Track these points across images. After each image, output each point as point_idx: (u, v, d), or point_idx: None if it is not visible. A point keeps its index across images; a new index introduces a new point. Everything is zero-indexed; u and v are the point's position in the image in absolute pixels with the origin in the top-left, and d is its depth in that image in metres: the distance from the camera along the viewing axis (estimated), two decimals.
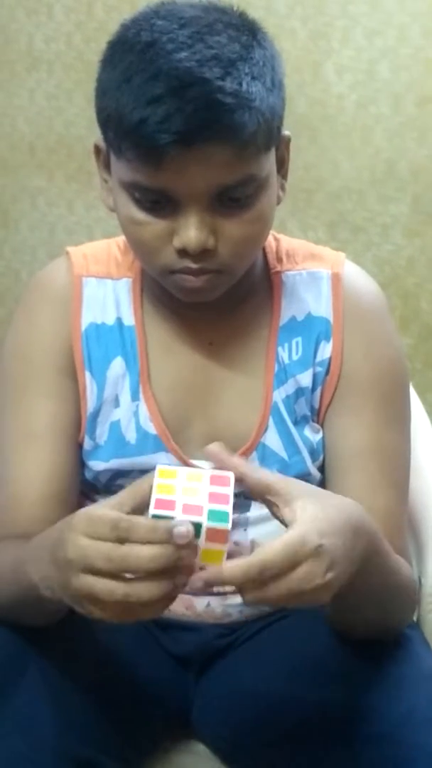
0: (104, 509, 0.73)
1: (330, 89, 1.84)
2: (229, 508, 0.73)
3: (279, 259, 1.04)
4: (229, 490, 0.75)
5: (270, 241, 1.04)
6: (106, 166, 0.92)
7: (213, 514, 0.72)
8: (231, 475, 0.76)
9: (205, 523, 0.71)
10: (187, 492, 0.73)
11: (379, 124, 1.83)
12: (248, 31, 0.86)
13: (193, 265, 0.88)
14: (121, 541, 0.70)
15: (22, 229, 2.16)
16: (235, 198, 0.87)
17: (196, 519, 0.71)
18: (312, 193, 1.91)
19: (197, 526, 0.71)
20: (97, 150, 0.94)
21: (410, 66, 1.78)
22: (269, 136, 0.87)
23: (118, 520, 0.70)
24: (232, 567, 0.71)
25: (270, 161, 0.90)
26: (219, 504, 0.73)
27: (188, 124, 0.81)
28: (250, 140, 0.84)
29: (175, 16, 0.85)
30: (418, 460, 1.17)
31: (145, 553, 0.69)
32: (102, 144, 0.92)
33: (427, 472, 1.20)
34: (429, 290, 1.91)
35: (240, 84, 0.82)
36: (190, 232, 0.86)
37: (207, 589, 0.72)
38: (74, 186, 2.07)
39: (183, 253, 0.87)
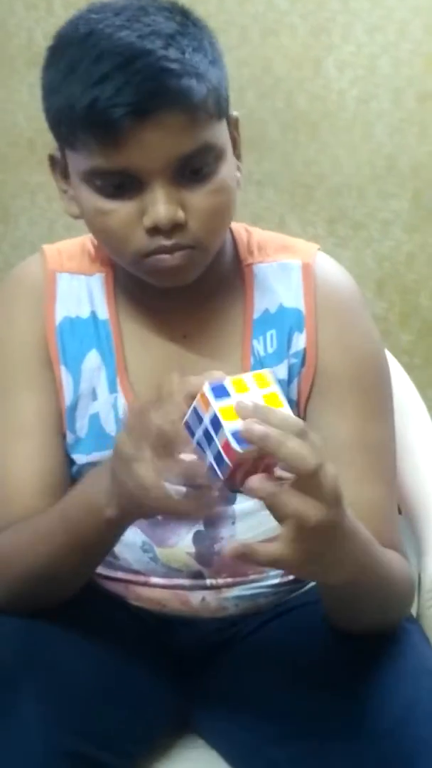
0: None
1: (330, 85, 1.84)
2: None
3: (250, 252, 1.03)
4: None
5: (241, 234, 1.05)
6: (64, 175, 0.93)
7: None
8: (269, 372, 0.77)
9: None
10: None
11: (380, 120, 1.83)
12: (180, 13, 0.89)
13: (167, 242, 0.88)
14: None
15: (21, 225, 2.16)
16: (196, 169, 0.87)
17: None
18: (312, 189, 1.91)
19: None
20: (53, 161, 0.95)
21: (411, 61, 1.78)
22: (219, 105, 0.89)
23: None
24: (283, 412, 0.72)
25: (223, 132, 0.91)
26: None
27: (139, 94, 0.82)
28: (201, 105, 0.85)
29: (108, 8, 0.88)
30: (417, 457, 1.17)
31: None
32: (56, 153, 0.93)
33: (425, 469, 1.20)
34: (429, 286, 1.91)
35: (183, 53, 0.84)
36: (159, 207, 0.86)
37: (252, 412, 0.71)
38: None
39: (154, 231, 0.87)
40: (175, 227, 0.87)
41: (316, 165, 1.88)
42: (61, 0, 2.00)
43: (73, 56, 0.85)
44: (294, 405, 1.01)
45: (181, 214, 0.87)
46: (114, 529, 0.86)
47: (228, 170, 0.91)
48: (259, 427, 0.70)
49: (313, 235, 1.81)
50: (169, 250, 0.89)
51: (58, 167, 0.94)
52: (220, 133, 0.89)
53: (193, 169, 0.87)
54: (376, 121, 1.83)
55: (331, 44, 1.82)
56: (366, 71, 1.82)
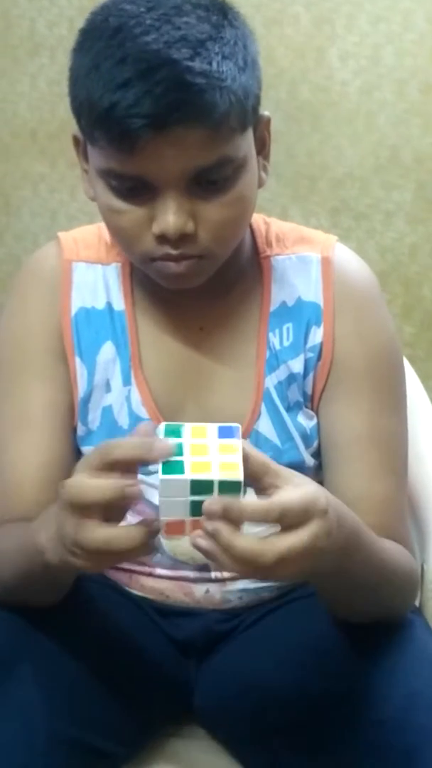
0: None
1: (334, 75, 1.84)
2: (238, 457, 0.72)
3: (269, 244, 1.03)
4: (237, 442, 0.74)
5: (259, 226, 1.04)
6: (85, 156, 0.92)
7: (224, 467, 0.71)
8: (238, 426, 0.75)
9: (217, 479, 0.71)
10: (195, 451, 0.72)
11: (383, 111, 1.82)
12: (218, 10, 0.86)
13: (173, 252, 0.87)
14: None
15: (23, 216, 2.16)
16: (213, 180, 0.86)
17: (206, 477, 0.71)
18: (315, 180, 1.90)
19: (208, 483, 0.71)
20: (76, 141, 0.94)
21: (415, 52, 1.77)
22: (243, 117, 0.86)
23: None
24: (254, 503, 0.70)
25: (247, 142, 0.89)
26: (229, 456, 0.72)
27: (158, 107, 0.80)
28: (223, 120, 0.83)
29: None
30: (421, 448, 1.17)
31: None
32: (79, 134, 0.91)
33: (429, 460, 1.20)
34: None
35: (210, 63, 0.81)
36: (168, 217, 0.85)
37: (222, 516, 0.69)
38: (76, 172, 2.05)
39: (162, 239, 0.86)
40: (184, 237, 0.86)
41: (319, 156, 1.88)
42: None
43: (98, 52, 0.83)
44: (309, 399, 1.01)
45: (190, 226, 0.86)
46: (58, 572, 0.82)
47: (247, 180, 0.89)
48: (203, 542, 0.70)
49: (315, 226, 1.80)
50: (175, 259, 0.88)
51: (81, 147, 0.93)
52: (241, 145, 0.87)
53: (210, 180, 0.86)
54: (380, 112, 1.83)
55: (335, 34, 1.81)
56: (369, 62, 1.81)
